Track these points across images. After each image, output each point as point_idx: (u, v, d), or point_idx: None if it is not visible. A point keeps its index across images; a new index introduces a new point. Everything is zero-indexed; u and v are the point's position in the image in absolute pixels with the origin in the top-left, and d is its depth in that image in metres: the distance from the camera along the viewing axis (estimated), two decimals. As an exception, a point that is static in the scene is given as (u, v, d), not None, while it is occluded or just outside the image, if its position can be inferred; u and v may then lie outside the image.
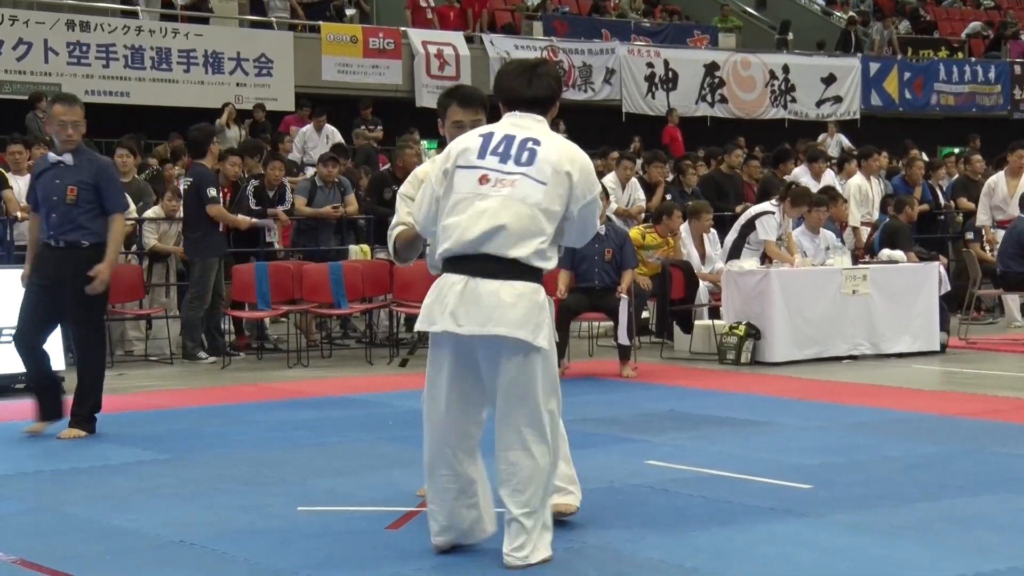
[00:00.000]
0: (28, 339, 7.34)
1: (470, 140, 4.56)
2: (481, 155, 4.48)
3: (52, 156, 7.39)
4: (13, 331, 7.50)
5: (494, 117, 4.78)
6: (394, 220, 5.14)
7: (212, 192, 10.69)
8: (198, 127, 11.51)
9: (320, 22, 19.56)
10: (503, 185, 4.41)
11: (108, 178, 7.47)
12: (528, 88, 4.61)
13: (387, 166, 14.26)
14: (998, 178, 13.33)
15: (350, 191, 12.22)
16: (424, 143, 16.13)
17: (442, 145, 18.76)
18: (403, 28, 19.93)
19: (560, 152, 4.49)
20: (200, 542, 4.99)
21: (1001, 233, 12.81)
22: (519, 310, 4.36)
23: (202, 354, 10.73)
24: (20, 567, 4.69)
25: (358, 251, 12.02)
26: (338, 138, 16.61)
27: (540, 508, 4.44)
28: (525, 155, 4.46)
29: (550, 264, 4.48)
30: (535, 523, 4.41)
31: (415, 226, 4.82)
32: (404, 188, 5.21)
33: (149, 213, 11.47)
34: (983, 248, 13.15)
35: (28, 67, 17.11)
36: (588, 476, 5.55)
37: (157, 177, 12.95)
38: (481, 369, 4.47)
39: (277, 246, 12.00)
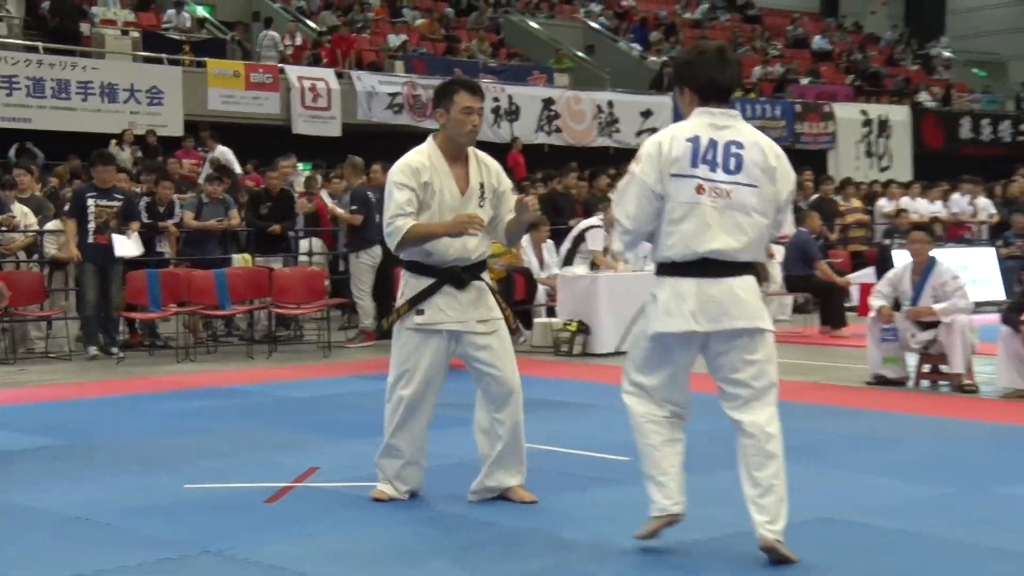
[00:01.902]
0: None
1: (678, 147, 4.07)
2: (693, 163, 4.04)
3: None
4: None
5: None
6: (395, 208, 4.74)
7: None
8: (98, 152, 11.13)
9: (207, 58, 19.16)
10: (719, 196, 4.03)
11: None
12: (723, 75, 4.15)
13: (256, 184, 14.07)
14: None
15: (233, 207, 12.00)
16: (300, 165, 15.91)
17: (316, 168, 18.34)
18: (281, 65, 19.65)
19: (761, 148, 4.12)
20: (98, 518, 4.85)
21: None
22: (753, 303, 4.12)
23: (91, 349, 10.38)
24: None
25: (240, 259, 11.80)
26: (231, 158, 16.32)
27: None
28: (732, 162, 4.06)
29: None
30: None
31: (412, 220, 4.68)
32: (399, 177, 4.80)
33: (50, 226, 11.09)
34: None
35: (-64, 95, 16.35)
36: (442, 453, 5.57)
37: (54, 195, 12.57)
38: (710, 359, 4.25)
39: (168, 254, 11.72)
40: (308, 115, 19.17)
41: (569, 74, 23.66)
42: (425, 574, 4.14)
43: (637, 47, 26.62)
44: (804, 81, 26.93)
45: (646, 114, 23.01)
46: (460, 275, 4.84)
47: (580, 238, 11.41)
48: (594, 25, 26.92)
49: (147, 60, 18.85)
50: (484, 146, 4.88)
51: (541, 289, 11.59)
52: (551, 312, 11.38)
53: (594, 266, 11.16)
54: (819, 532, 4.61)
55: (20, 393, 8.56)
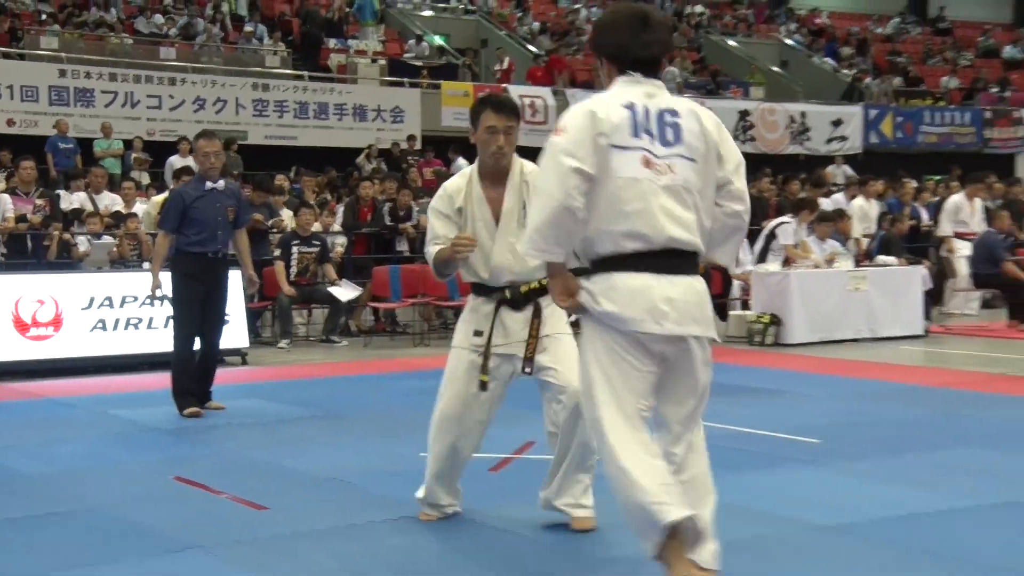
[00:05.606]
0: (194, 338, 6.73)
1: (615, 113, 3.08)
2: (635, 133, 3.07)
3: (208, 184, 6.67)
4: (184, 334, 6.66)
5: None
6: (430, 235, 4.09)
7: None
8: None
9: (441, 81, 19.71)
10: (663, 172, 3.08)
11: (243, 198, 7.18)
12: (644, 48, 3.15)
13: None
14: (961, 199, 13.04)
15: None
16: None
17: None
18: (505, 84, 19.97)
19: (699, 119, 3.19)
20: (347, 479, 5.04)
21: (958, 242, 12.59)
22: (706, 307, 3.17)
23: (335, 338, 10.74)
24: (214, 495, 4.77)
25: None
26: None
27: None
28: (670, 132, 3.11)
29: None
30: None
31: (447, 243, 3.93)
32: (436, 203, 4.09)
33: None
34: (948, 253, 12.81)
35: (224, 118, 17.44)
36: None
37: (324, 203, 13.20)
38: (660, 365, 3.15)
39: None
40: (528, 128, 19.40)
41: (763, 87, 23.03)
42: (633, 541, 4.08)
43: (830, 61, 25.64)
44: (994, 89, 25.26)
45: (836, 123, 22.16)
46: (514, 297, 4.01)
47: (772, 236, 11.08)
48: (789, 42, 26.08)
49: (391, 84, 19.55)
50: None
51: (736, 284, 11.32)
52: (745, 305, 11.10)
53: (787, 262, 10.81)
54: (1014, 515, 4.30)
55: (284, 371, 9.01)
